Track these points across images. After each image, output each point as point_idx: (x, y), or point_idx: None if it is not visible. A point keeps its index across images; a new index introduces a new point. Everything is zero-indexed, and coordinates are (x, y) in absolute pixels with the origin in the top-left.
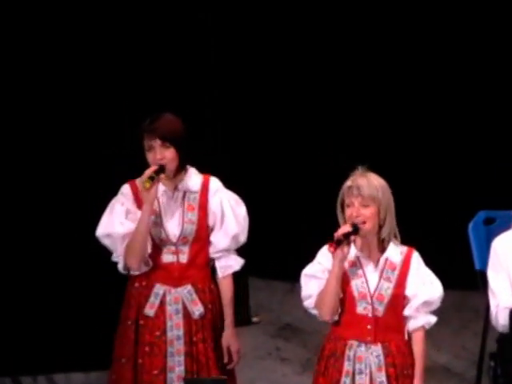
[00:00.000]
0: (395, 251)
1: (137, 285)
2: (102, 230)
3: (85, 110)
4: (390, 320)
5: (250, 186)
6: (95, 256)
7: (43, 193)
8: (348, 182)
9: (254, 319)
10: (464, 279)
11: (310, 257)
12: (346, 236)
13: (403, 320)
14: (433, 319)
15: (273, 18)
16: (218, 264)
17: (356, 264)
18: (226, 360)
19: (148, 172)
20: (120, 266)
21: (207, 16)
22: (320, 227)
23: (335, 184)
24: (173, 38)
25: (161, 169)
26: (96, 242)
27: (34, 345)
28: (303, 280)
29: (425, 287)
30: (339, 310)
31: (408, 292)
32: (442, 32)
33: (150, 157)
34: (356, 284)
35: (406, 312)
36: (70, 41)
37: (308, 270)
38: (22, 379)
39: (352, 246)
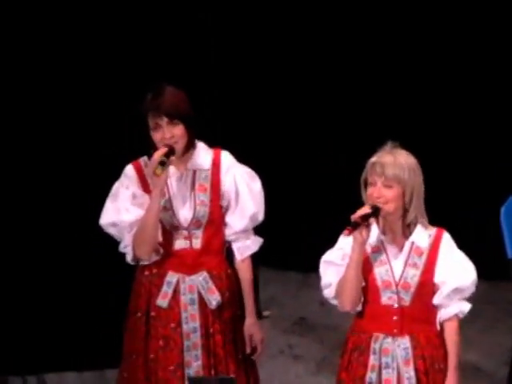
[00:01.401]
0: (422, 235)
1: (147, 273)
2: (106, 219)
3: (85, 109)
4: (418, 310)
5: (266, 170)
6: (86, 245)
7: (43, 187)
8: (373, 158)
9: (265, 313)
10: (495, 269)
11: (326, 245)
12: (364, 218)
13: (433, 309)
14: (466, 307)
15: (273, 17)
16: (235, 246)
17: (379, 249)
18: (248, 350)
19: (157, 156)
20: (129, 257)
21: (207, 16)
22: (339, 210)
23: (359, 181)
24: (173, 38)
25: (171, 151)
26: (94, 231)
27: (25, 344)
28: (322, 267)
29: (455, 272)
30: (362, 300)
31: (437, 278)
32: (444, 31)
33: (156, 136)
34: (380, 272)
35: (436, 300)
36: (69, 41)
37: (327, 256)
38: (11, 380)
39: (375, 228)
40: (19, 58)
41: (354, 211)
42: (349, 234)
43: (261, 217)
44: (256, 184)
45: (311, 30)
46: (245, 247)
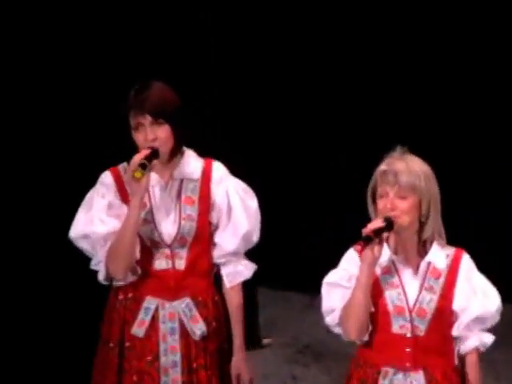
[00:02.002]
0: (440, 254)
1: (121, 297)
2: (77, 230)
3: (82, 111)
4: (434, 340)
5: (257, 185)
6: (51, 261)
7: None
8: (382, 166)
9: (265, 341)
10: None
11: (333, 263)
12: (377, 233)
13: (450, 340)
14: (489, 339)
15: (273, 17)
16: (224, 271)
17: (391, 270)
18: None
19: (138, 158)
20: (101, 276)
21: (207, 16)
22: (346, 227)
23: (359, 181)
24: (173, 37)
25: (154, 153)
26: (66, 245)
27: None
28: (325, 290)
29: (477, 299)
30: (370, 328)
31: (456, 305)
32: (446, 33)
33: (138, 137)
34: (391, 296)
35: (455, 331)
36: (69, 40)
37: (330, 278)
38: None
39: (385, 246)
40: (9, 55)
41: (364, 225)
42: (362, 250)
43: (255, 238)
44: (252, 201)
45: (311, 30)
46: (235, 273)
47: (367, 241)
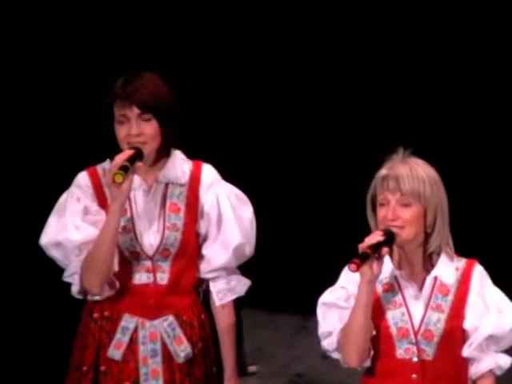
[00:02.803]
0: (448, 267)
1: (96, 315)
2: (49, 237)
3: (79, 112)
4: (444, 365)
5: (251, 192)
6: (16, 275)
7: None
8: (383, 171)
9: (251, 369)
10: None
11: (328, 281)
12: (376, 248)
13: (463, 363)
14: (505, 361)
15: (273, 17)
16: (214, 287)
17: (393, 287)
18: None
19: (119, 160)
20: (75, 289)
21: (207, 16)
22: (343, 240)
23: (356, 189)
24: (173, 37)
25: (137, 154)
26: (35, 253)
27: None
28: (320, 311)
29: (490, 316)
30: (371, 353)
31: (467, 324)
32: (450, 31)
33: (121, 132)
34: (394, 316)
35: (466, 351)
36: (68, 40)
37: (327, 297)
38: None
39: (387, 260)
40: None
41: (361, 239)
42: (356, 269)
43: (249, 251)
44: (246, 209)
45: (311, 30)
46: (226, 290)
47: (364, 258)
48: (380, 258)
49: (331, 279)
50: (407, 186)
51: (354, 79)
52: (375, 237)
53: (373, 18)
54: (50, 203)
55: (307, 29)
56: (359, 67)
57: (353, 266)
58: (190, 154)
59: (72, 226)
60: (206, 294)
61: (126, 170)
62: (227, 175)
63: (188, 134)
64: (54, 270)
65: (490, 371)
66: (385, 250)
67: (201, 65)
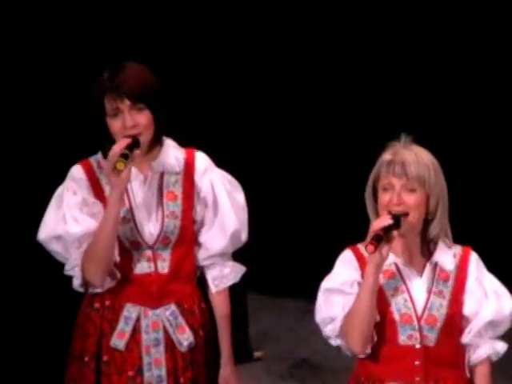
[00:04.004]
0: (447, 254)
1: (97, 305)
2: (48, 231)
3: (71, 105)
4: (446, 350)
5: (254, 183)
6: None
7: None
8: (387, 156)
9: (256, 354)
10: None
11: (333, 264)
12: (386, 231)
13: (462, 350)
14: (502, 347)
15: (273, 17)
16: (209, 274)
17: (394, 274)
18: None
19: (118, 148)
20: (76, 282)
21: (207, 16)
22: (345, 224)
23: (356, 177)
24: (172, 37)
25: (135, 142)
26: (34, 249)
27: None
28: (322, 297)
29: (489, 302)
30: (374, 339)
31: (467, 310)
32: (449, 25)
33: (115, 125)
34: (396, 303)
35: (465, 338)
36: (67, 40)
37: (329, 283)
38: None
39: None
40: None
41: (364, 223)
42: (374, 250)
43: (244, 236)
44: (239, 195)
45: (311, 30)
46: (222, 277)
47: (379, 240)
48: (389, 242)
49: (334, 263)
50: (413, 171)
51: (350, 73)
52: (385, 220)
53: (372, 11)
54: (44, 198)
55: (305, 21)
56: (358, 59)
57: (370, 248)
58: (185, 145)
59: (71, 219)
60: (201, 281)
61: (126, 157)
62: (225, 162)
63: (180, 123)
64: (51, 264)
65: (488, 357)
66: (395, 232)
67: (197, 57)
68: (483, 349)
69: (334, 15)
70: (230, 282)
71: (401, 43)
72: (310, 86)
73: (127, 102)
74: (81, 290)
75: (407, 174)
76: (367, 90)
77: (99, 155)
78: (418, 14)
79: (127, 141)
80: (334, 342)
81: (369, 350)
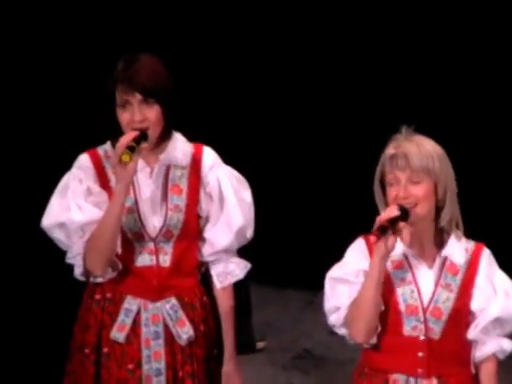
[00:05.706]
0: (458, 247)
1: (98, 297)
2: (51, 218)
3: (77, 95)
4: (451, 345)
5: (258, 174)
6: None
7: None
8: (390, 150)
9: (259, 344)
10: None
11: (336, 256)
12: (393, 222)
13: (468, 345)
14: (508, 345)
15: (273, 17)
16: (214, 270)
17: (403, 265)
18: None
19: (125, 140)
20: (78, 271)
21: (207, 16)
22: (349, 216)
23: (361, 169)
24: (172, 37)
25: (143, 135)
26: (37, 238)
27: None
28: (329, 285)
29: (497, 299)
30: (378, 330)
31: (474, 306)
32: (450, 21)
33: (123, 117)
34: (403, 293)
35: (471, 333)
36: (67, 40)
37: (336, 272)
38: None
39: (397, 240)
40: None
41: (370, 215)
42: (376, 240)
43: (250, 233)
44: (246, 192)
45: (311, 30)
46: (226, 273)
47: (383, 231)
48: (396, 234)
49: (339, 254)
50: (417, 163)
51: (355, 68)
52: (392, 211)
53: (372, 6)
54: (50, 186)
55: (305, 19)
56: (358, 55)
57: (373, 238)
58: (191, 140)
59: (75, 207)
60: (206, 276)
61: (132, 150)
62: (230, 155)
63: (188, 117)
64: (54, 255)
65: (494, 355)
66: (402, 224)
67: (201, 53)
68: (489, 346)
69: (336, 12)
70: (234, 279)
71: (403, 39)
72: (314, 82)
73: (138, 96)
74: (82, 278)
75: (411, 166)
76: (372, 84)
77: (107, 145)
78: (419, 9)
79: (135, 133)
80: (339, 330)
81: (374, 340)
